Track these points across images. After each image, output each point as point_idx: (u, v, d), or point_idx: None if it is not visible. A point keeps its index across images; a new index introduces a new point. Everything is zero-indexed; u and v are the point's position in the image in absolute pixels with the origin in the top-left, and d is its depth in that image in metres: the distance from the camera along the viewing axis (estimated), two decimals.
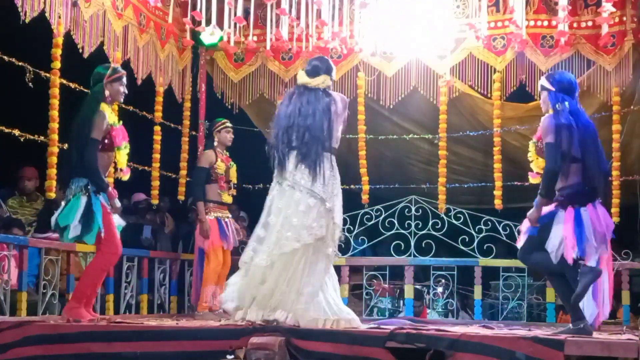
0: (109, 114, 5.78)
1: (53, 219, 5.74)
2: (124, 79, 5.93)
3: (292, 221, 5.48)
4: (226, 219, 7.51)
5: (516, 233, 5.65)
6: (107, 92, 5.79)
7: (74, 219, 5.64)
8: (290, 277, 5.47)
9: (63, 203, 5.73)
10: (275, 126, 5.84)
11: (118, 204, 5.85)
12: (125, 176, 6.01)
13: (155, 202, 8.31)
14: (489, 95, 8.20)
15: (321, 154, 5.60)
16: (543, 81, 5.45)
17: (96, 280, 5.88)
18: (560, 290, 5.41)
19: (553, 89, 5.33)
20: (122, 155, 5.84)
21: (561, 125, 5.18)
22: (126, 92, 5.96)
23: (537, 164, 5.59)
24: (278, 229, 5.51)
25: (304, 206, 5.51)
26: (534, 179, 5.73)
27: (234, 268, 7.77)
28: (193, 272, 7.87)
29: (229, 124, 7.61)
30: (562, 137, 5.15)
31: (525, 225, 5.37)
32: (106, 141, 5.74)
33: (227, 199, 7.55)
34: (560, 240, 5.15)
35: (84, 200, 5.66)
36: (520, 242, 5.44)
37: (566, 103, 5.26)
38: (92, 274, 5.85)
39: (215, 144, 7.54)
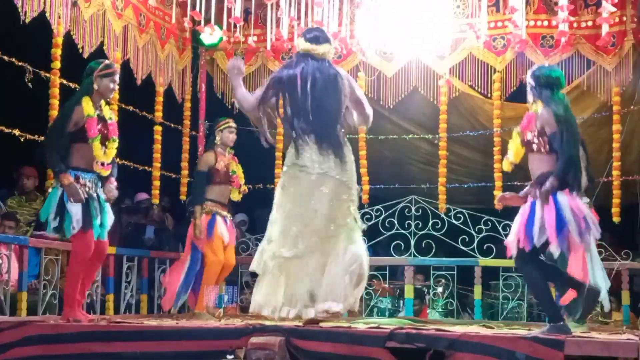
0: (88, 107, 5.67)
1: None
2: (116, 76, 5.82)
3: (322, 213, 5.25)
4: (224, 216, 7.29)
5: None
6: (95, 86, 5.73)
7: (50, 211, 5.59)
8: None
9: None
10: (273, 90, 5.22)
11: (113, 192, 5.80)
12: (105, 171, 5.77)
13: (155, 201, 8.30)
14: (489, 95, 8.20)
15: (343, 138, 5.22)
16: (530, 80, 5.34)
17: (74, 280, 5.70)
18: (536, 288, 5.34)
19: (539, 86, 5.31)
20: (97, 148, 5.66)
21: (562, 115, 5.16)
22: (116, 88, 5.88)
23: (517, 154, 5.49)
24: (307, 222, 5.28)
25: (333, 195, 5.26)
26: (506, 167, 5.59)
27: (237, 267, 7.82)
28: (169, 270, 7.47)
29: (232, 124, 7.39)
30: (566, 126, 5.13)
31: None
32: (80, 132, 5.63)
33: (236, 196, 7.42)
34: (540, 225, 5.08)
35: (59, 192, 5.60)
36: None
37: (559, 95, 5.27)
38: (68, 274, 5.77)
39: (217, 143, 7.36)
